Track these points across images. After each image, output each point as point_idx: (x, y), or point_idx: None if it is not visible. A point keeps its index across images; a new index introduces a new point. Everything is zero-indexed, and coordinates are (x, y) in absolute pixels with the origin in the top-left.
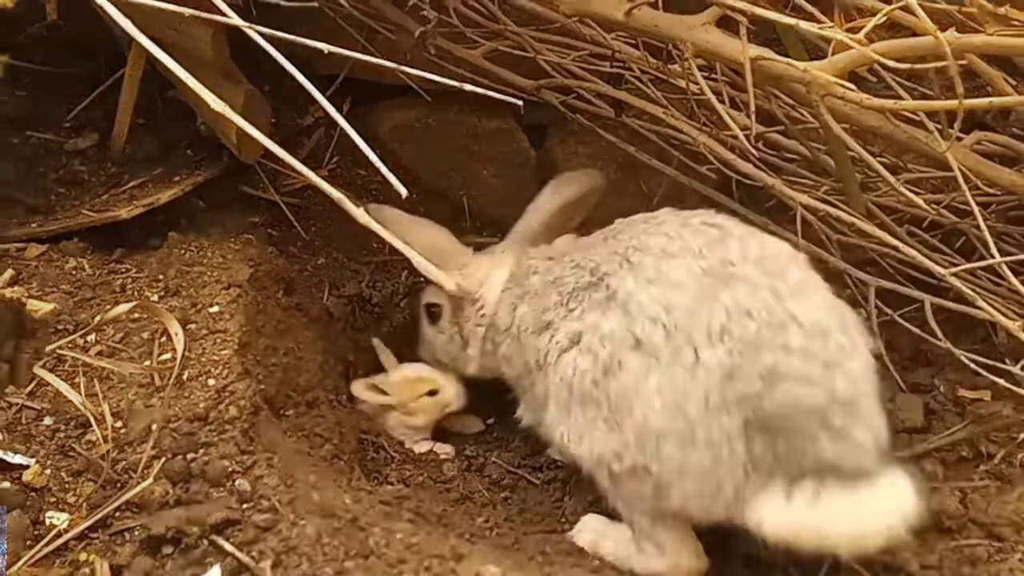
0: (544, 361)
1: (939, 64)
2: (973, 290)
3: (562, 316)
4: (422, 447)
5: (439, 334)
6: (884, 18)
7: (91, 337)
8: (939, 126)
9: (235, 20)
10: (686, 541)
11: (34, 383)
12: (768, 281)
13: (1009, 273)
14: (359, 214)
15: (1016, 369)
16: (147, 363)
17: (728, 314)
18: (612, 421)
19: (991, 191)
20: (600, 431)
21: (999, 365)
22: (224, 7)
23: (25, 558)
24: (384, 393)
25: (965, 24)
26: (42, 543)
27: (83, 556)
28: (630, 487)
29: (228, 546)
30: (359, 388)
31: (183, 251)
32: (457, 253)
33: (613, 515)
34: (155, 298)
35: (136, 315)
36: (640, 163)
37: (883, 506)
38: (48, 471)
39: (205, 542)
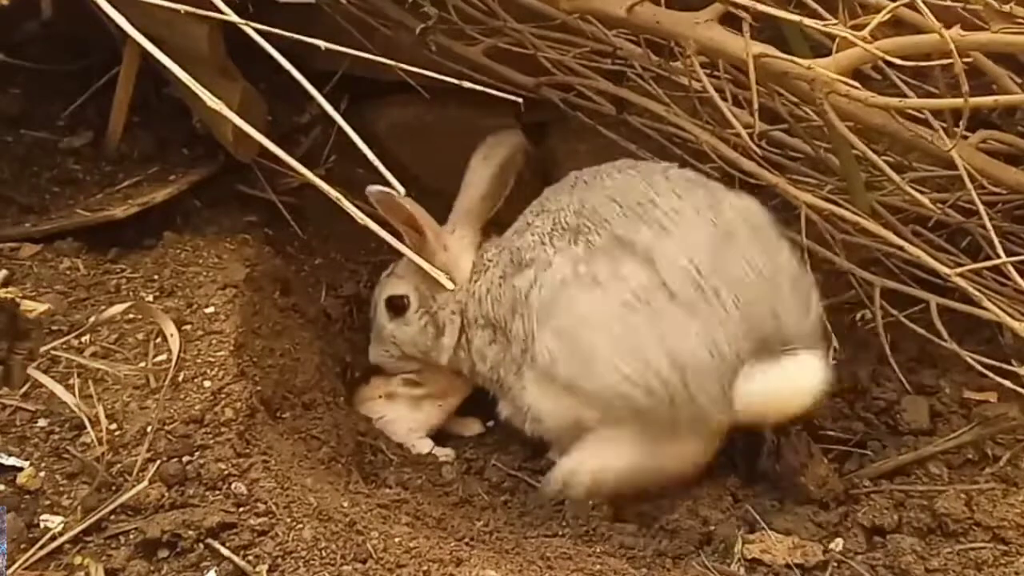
0: (535, 296)
1: (944, 62)
2: (979, 290)
3: (552, 252)
4: (423, 447)
5: (405, 326)
6: (889, 15)
7: (86, 338)
8: (944, 124)
9: (231, 17)
10: None
11: (28, 384)
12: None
13: (1015, 273)
14: (357, 213)
15: (1022, 370)
16: (142, 364)
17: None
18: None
19: (997, 190)
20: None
21: (1005, 366)
22: (220, 4)
23: (19, 562)
24: (419, 384)
25: (970, 21)
26: (36, 546)
27: (78, 560)
28: None
29: (224, 550)
30: (395, 384)
31: (179, 251)
32: (440, 234)
33: None
34: (150, 298)
35: (131, 316)
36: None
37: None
38: (42, 474)
39: (201, 546)
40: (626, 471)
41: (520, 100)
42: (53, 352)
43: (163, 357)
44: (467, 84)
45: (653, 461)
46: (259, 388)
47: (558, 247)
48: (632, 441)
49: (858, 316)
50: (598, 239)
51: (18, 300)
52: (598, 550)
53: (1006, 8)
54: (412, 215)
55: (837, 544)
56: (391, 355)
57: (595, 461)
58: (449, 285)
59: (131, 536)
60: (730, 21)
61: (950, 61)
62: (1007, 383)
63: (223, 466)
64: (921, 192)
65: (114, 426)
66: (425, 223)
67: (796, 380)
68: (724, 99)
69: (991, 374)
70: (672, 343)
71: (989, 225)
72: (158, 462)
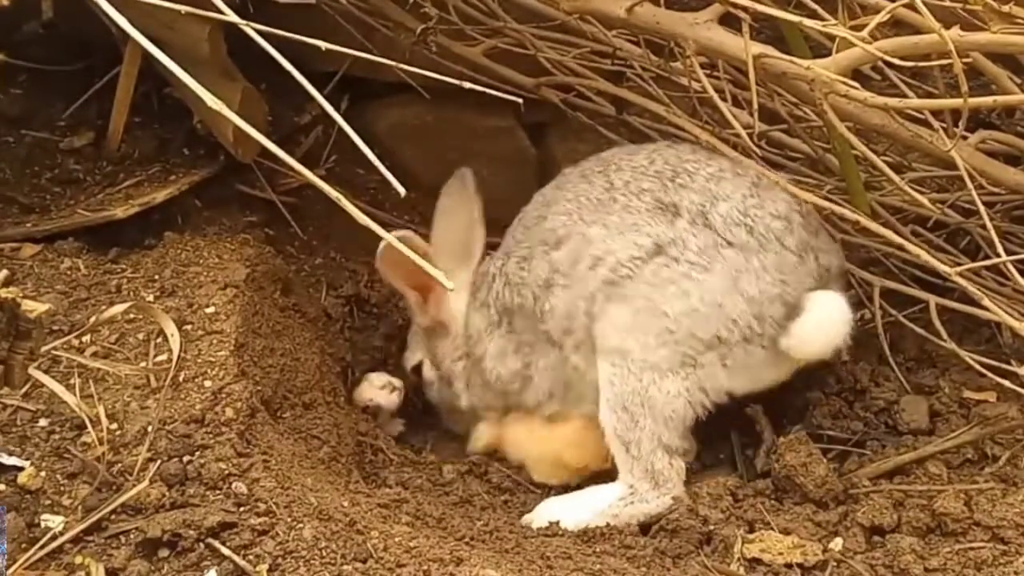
0: (582, 268)
1: (944, 62)
2: (978, 290)
3: (585, 226)
4: None
5: (430, 387)
6: (888, 16)
7: (86, 338)
8: (944, 125)
9: (232, 17)
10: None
11: (29, 384)
12: None
13: (1015, 272)
14: (357, 213)
15: (1021, 371)
16: (143, 364)
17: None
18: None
19: (996, 190)
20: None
21: (1004, 366)
22: (220, 4)
23: (20, 561)
24: None
25: (970, 22)
26: (37, 546)
27: (78, 559)
28: None
29: (225, 549)
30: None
31: (179, 251)
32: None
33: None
34: (151, 298)
35: (132, 316)
36: None
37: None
38: (43, 473)
39: (201, 545)
40: None
41: (520, 100)
42: (54, 352)
43: (164, 357)
44: (467, 84)
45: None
46: (259, 388)
47: (591, 220)
48: None
49: (857, 316)
50: (640, 204)
51: (19, 300)
52: (598, 549)
53: (1005, 9)
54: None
55: (836, 544)
56: (453, 419)
57: None
58: (449, 285)
59: (132, 536)
60: (730, 21)
61: (949, 61)
62: (1006, 383)
63: (223, 466)
64: (920, 192)
65: (115, 426)
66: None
67: (837, 318)
68: (724, 99)
69: (990, 374)
70: (743, 285)
71: (989, 225)
72: (159, 462)
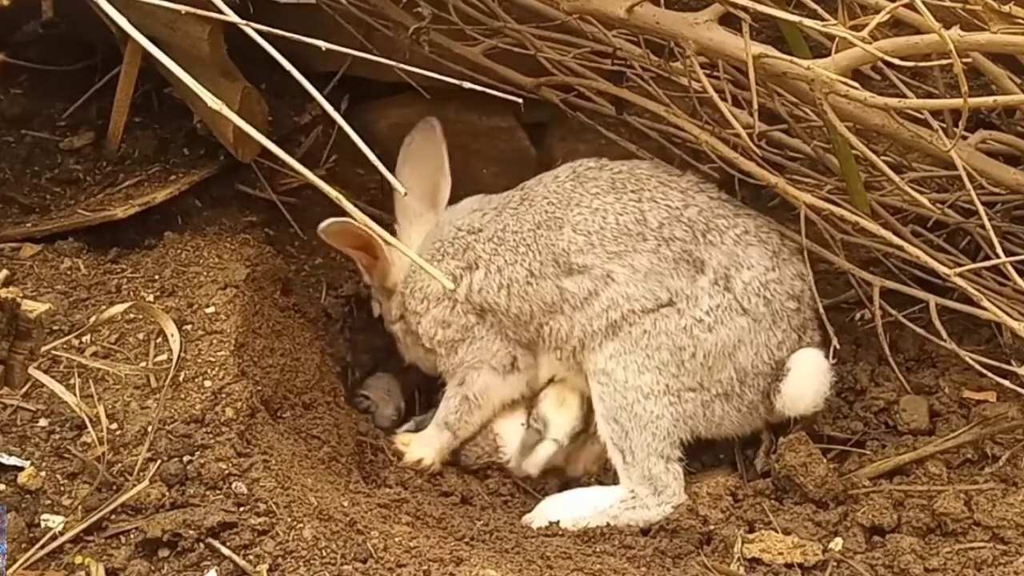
0: (597, 308)
1: (943, 62)
2: (978, 290)
3: (606, 258)
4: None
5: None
6: (888, 15)
7: (86, 338)
8: (944, 125)
9: (232, 17)
10: None
11: (29, 384)
12: None
13: (1014, 273)
14: (357, 213)
15: (1021, 370)
16: (143, 364)
17: None
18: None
19: (996, 190)
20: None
21: (1004, 366)
22: (221, 4)
23: (20, 561)
24: None
25: (970, 22)
26: (37, 546)
27: (78, 559)
28: None
29: (225, 549)
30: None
31: (179, 251)
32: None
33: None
34: (151, 298)
35: (132, 316)
36: None
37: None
38: (43, 473)
39: (201, 545)
40: None
41: (520, 100)
42: (54, 352)
43: (164, 357)
44: (467, 84)
45: None
46: (259, 388)
47: (613, 253)
48: None
49: (857, 316)
50: (668, 253)
51: (19, 300)
52: (598, 549)
53: (1005, 9)
54: (370, 241)
55: (836, 544)
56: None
57: None
58: (449, 285)
59: (132, 536)
60: (730, 21)
61: (949, 62)
62: (1006, 383)
63: (223, 466)
64: (920, 192)
65: (115, 426)
66: (381, 246)
67: (821, 372)
68: (724, 99)
69: (990, 374)
70: (739, 355)
71: (988, 225)
72: (159, 462)
